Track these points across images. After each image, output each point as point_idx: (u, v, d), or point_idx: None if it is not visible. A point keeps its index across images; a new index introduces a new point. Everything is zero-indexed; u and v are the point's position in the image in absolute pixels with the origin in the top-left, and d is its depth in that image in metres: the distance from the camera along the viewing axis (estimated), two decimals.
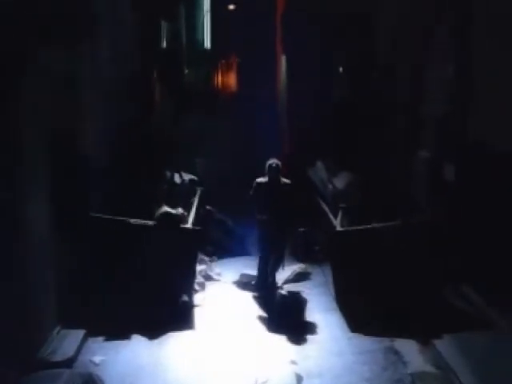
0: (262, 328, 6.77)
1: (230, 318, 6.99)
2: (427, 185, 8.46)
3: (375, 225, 7.25)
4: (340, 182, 8.88)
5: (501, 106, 6.62)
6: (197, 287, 7.78)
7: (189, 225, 7.36)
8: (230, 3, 14.80)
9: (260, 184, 7.66)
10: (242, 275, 8.34)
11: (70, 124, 6.80)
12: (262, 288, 7.77)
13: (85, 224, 6.75)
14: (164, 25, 12.06)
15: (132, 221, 6.96)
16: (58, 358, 5.69)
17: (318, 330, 6.69)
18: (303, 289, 8.02)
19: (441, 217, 7.39)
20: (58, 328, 6.17)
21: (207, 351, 6.07)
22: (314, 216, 8.80)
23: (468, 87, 7.50)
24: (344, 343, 6.29)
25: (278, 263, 7.88)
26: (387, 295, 6.55)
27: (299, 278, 8.36)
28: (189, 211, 7.90)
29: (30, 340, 5.55)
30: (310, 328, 6.74)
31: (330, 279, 7.67)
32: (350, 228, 7.30)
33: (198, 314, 7.04)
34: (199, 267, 8.16)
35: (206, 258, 8.84)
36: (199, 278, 8.01)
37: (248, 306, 7.44)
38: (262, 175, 7.70)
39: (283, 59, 13.00)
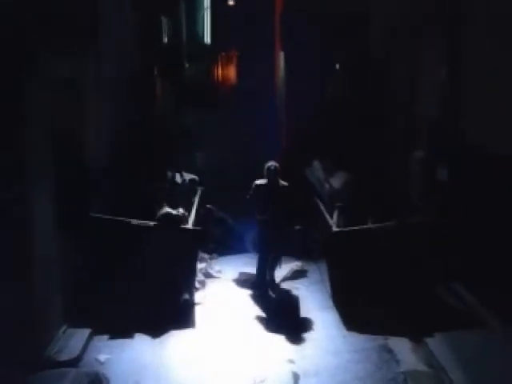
0: (259, 327, 6.90)
1: (229, 316, 7.13)
2: (422, 185, 8.56)
3: (371, 225, 7.38)
4: (337, 182, 9.00)
5: (493, 108, 6.67)
6: (197, 285, 7.92)
7: (189, 225, 7.48)
8: None
9: (259, 186, 7.75)
10: (241, 274, 8.55)
11: (71, 124, 6.85)
12: (261, 286, 7.92)
13: (86, 224, 6.84)
14: (164, 21, 12.09)
15: (133, 221, 7.05)
16: (65, 356, 5.75)
17: (315, 328, 6.81)
18: (300, 286, 8.19)
19: (434, 217, 7.51)
20: (64, 327, 6.23)
21: (207, 350, 6.20)
22: (311, 215, 8.88)
23: (460, 90, 7.55)
24: (339, 341, 6.41)
25: (275, 262, 8.03)
26: (382, 294, 6.68)
27: (296, 275, 8.52)
28: (189, 211, 8.02)
29: (36, 339, 5.59)
30: (306, 326, 6.86)
31: (326, 277, 7.82)
32: (346, 229, 7.39)
33: (199, 313, 7.19)
34: (200, 265, 8.29)
35: (207, 256, 8.95)
36: (200, 276, 8.15)
37: (247, 304, 7.59)
38: (261, 177, 7.77)
39: (281, 56, 12.95)
